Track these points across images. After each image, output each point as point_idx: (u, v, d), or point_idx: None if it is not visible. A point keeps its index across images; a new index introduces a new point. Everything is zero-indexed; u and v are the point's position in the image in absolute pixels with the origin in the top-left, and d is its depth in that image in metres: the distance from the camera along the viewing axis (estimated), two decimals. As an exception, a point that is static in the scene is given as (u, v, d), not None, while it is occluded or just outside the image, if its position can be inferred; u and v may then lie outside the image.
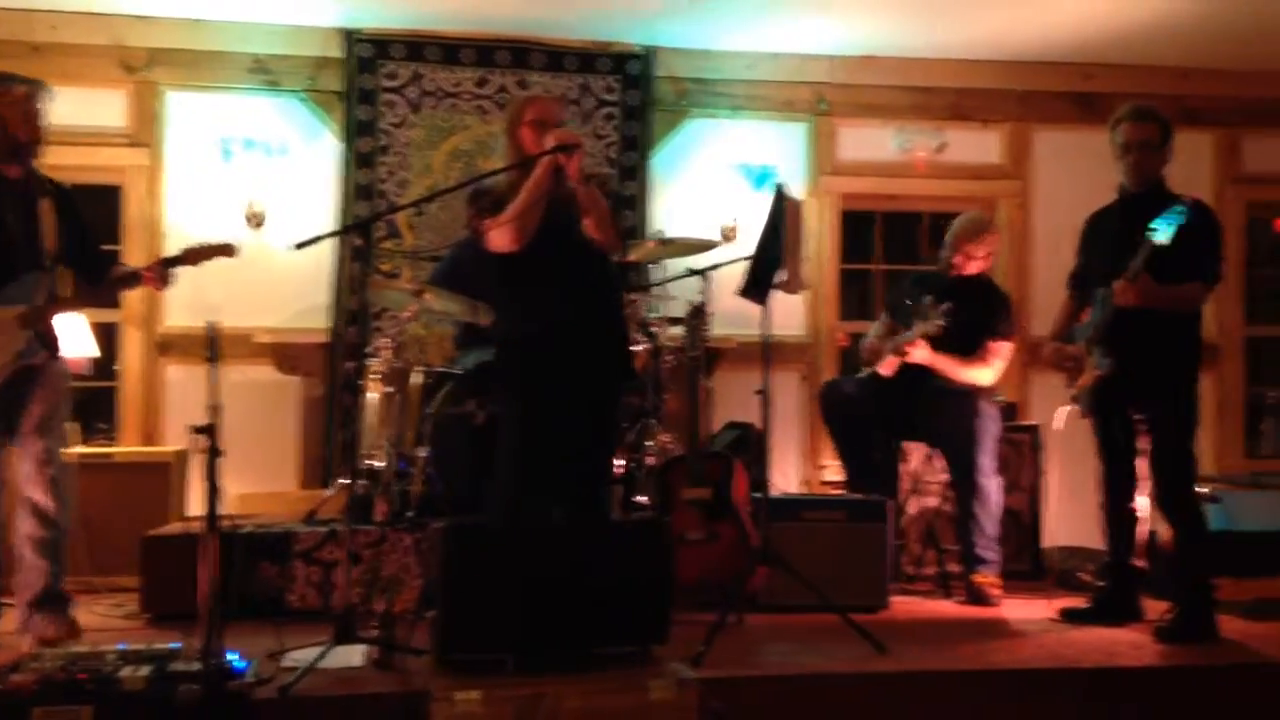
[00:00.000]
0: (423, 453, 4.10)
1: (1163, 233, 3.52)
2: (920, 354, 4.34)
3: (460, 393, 4.26)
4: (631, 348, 3.78)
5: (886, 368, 4.45)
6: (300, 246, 3.15)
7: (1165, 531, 3.89)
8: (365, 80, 5.47)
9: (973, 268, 4.51)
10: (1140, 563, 3.94)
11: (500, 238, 3.36)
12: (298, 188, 5.46)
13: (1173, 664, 3.39)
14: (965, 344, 4.38)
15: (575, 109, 5.55)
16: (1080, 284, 4.00)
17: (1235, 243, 6.04)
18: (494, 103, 5.50)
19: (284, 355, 5.33)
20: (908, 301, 4.59)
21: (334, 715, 2.91)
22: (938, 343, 4.36)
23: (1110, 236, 3.84)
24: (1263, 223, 6.39)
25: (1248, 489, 4.97)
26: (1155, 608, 3.85)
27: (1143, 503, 3.89)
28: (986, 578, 4.26)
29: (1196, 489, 3.80)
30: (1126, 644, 3.58)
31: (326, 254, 5.32)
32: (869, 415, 4.50)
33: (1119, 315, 3.69)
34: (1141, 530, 3.94)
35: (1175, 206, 3.54)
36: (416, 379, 4.18)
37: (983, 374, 4.39)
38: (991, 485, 4.31)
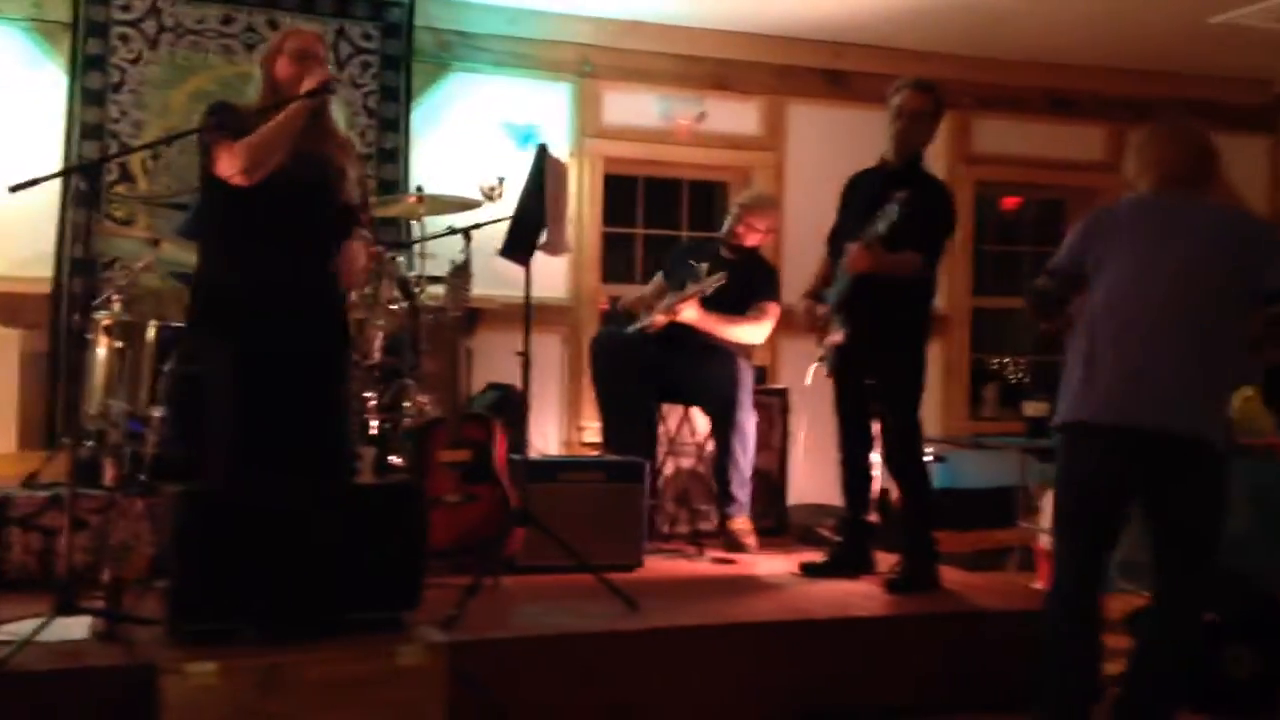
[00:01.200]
0: (158, 413, 3.86)
1: (883, 222, 3.70)
2: (690, 314, 4.44)
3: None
4: (345, 316, 3.64)
5: (655, 326, 4.53)
6: (16, 189, 2.89)
7: (896, 489, 4.14)
8: (96, 11, 5.03)
9: (752, 239, 4.64)
10: (873, 518, 4.18)
11: (229, 164, 3.12)
12: (16, 124, 4.98)
13: (899, 613, 3.62)
14: (733, 311, 4.51)
15: (330, 54, 5.30)
16: (836, 243, 4.13)
17: (964, 219, 6.45)
18: (241, 43, 5.18)
19: (1, 306, 4.90)
20: (688, 261, 4.70)
21: (53, 691, 2.71)
22: (706, 305, 4.47)
23: (863, 202, 3.97)
24: (989, 201, 6.86)
25: (970, 449, 5.36)
26: (887, 560, 4.10)
27: (877, 461, 4.12)
28: (740, 523, 4.42)
29: (921, 450, 4.04)
30: (859, 595, 3.80)
31: (50, 198, 4.90)
32: (636, 370, 4.57)
33: (855, 285, 3.86)
34: (875, 487, 4.18)
35: (891, 206, 3.69)
36: (151, 334, 3.92)
37: (753, 332, 4.54)
38: (749, 423, 4.48)
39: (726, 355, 4.54)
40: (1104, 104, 6.62)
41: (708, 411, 4.62)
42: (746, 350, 4.66)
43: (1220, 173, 3.09)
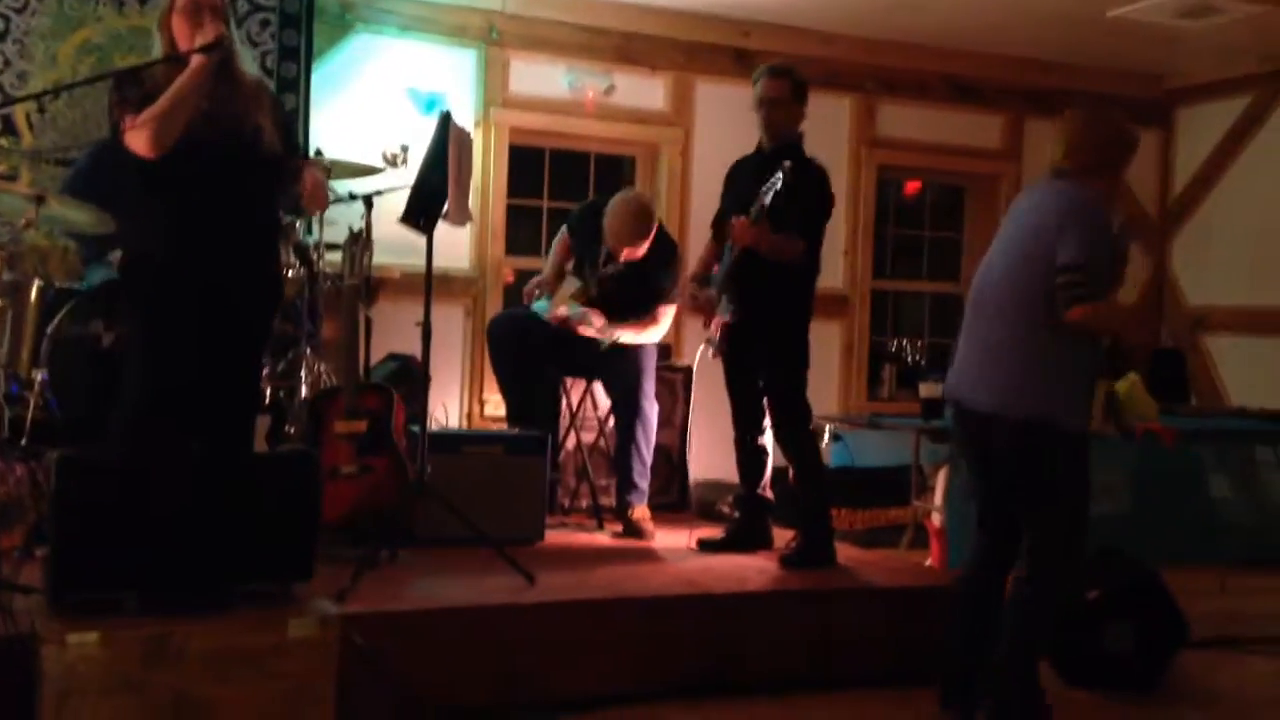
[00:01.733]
0: (40, 375, 3.72)
1: (769, 194, 3.77)
2: (589, 329, 4.42)
3: (85, 311, 3.89)
4: (281, 275, 3.57)
5: (554, 320, 4.49)
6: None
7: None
8: (-21, -44, 4.81)
9: (633, 256, 4.45)
10: (768, 494, 4.22)
11: (136, 139, 3.05)
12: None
13: (793, 588, 3.67)
14: (636, 298, 4.47)
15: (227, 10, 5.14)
16: (719, 228, 4.18)
17: (866, 202, 6.57)
18: (134, -5, 5.01)
19: None
20: (593, 233, 4.59)
21: (-77, 665, 2.60)
22: (606, 295, 4.45)
23: (744, 187, 4.02)
24: (893, 184, 6.97)
25: (867, 429, 5.44)
26: (785, 536, 4.15)
27: (770, 440, 4.16)
28: (641, 511, 4.43)
29: (809, 428, 4.08)
30: (754, 570, 3.83)
31: (-72, 150, 4.68)
32: (536, 350, 4.53)
33: (740, 263, 3.88)
34: (770, 464, 4.22)
35: (775, 177, 3.75)
36: (34, 294, 3.77)
37: (652, 334, 4.52)
38: (651, 411, 4.47)
39: None
40: (1003, 93, 6.77)
41: (611, 396, 4.60)
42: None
43: (1114, 164, 3.16)
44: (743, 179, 4.08)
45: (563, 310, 4.47)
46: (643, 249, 4.47)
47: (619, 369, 4.46)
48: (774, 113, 4.00)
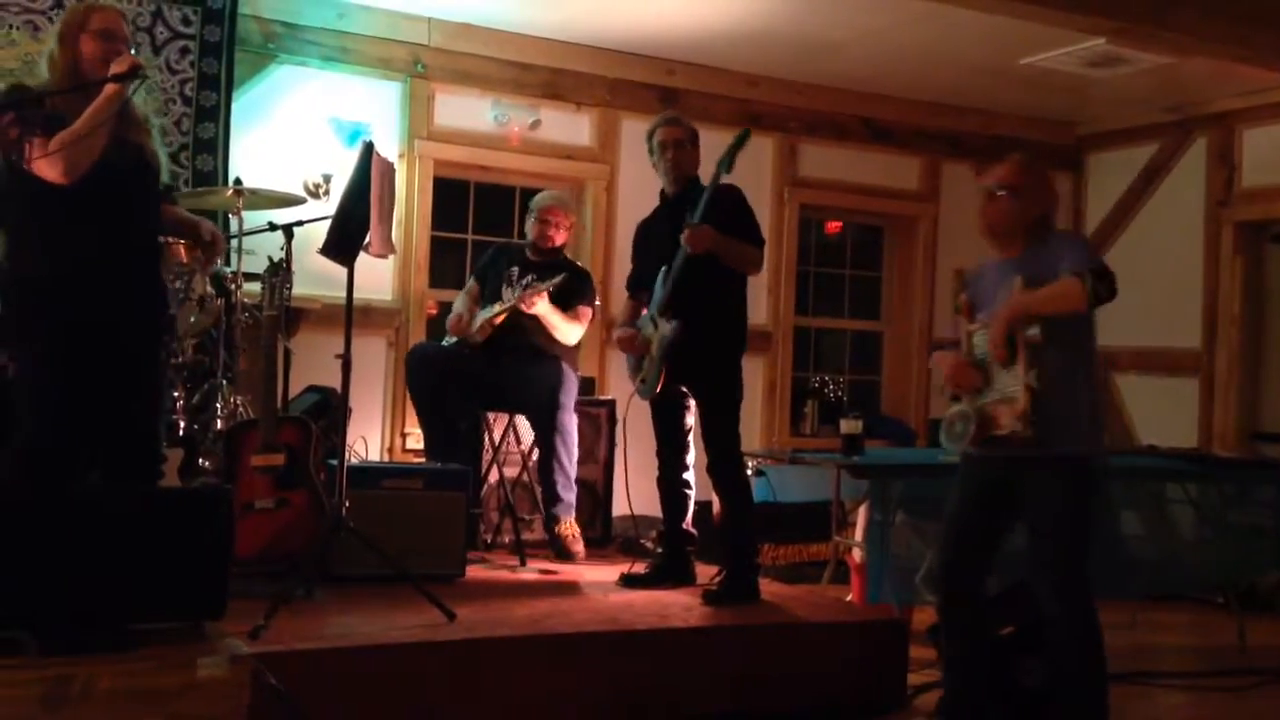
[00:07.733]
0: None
1: (697, 215, 3.87)
2: (542, 305, 4.49)
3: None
4: (166, 301, 3.55)
5: (482, 333, 4.51)
6: None
7: (718, 501, 4.19)
8: (-113, -24, 4.68)
9: (560, 238, 4.71)
10: (692, 530, 4.22)
11: (49, 167, 2.98)
12: None
13: (715, 624, 3.66)
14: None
15: (146, 37, 5.06)
16: (637, 286, 4.25)
17: (789, 240, 6.65)
18: (48, 19, 4.88)
19: None
20: (505, 266, 4.70)
21: None
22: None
23: (660, 238, 4.08)
24: (814, 223, 7.07)
25: (789, 464, 5.47)
26: (708, 572, 4.15)
27: (693, 476, 4.17)
28: (567, 528, 4.41)
29: (741, 462, 4.11)
30: (678, 606, 3.81)
31: None
32: (454, 381, 4.52)
33: (686, 275, 3.88)
34: (692, 500, 4.22)
35: (704, 191, 3.90)
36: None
37: (573, 331, 4.61)
38: (570, 424, 4.54)
39: (550, 359, 4.58)
40: (920, 136, 6.92)
41: (530, 415, 4.62)
42: (572, 356, 4.68)
43: None
44: (656, 234, 4.14)
45: (502, 315, 4.50)
46: (564, 229, 4.71)
47: (536, 387, 4.53)
48: (680, 154, 4.09)
